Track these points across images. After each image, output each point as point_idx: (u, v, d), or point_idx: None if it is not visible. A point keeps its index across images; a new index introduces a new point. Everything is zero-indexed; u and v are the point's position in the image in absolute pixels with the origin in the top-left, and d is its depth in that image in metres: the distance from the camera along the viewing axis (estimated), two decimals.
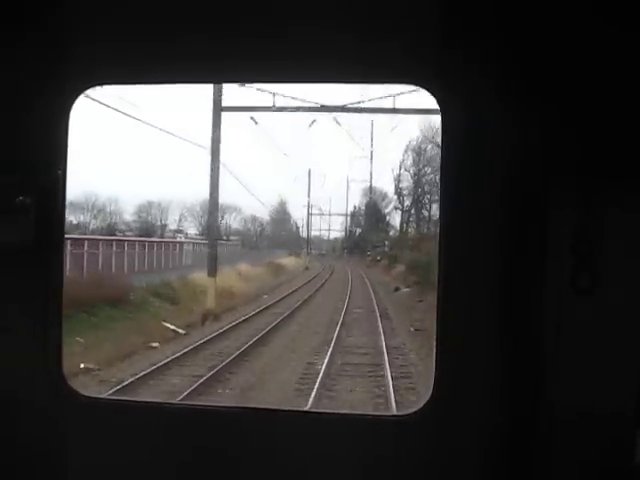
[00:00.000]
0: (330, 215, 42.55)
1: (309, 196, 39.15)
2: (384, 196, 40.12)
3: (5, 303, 2.71)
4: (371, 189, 38.99)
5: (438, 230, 2.76)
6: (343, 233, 45.14)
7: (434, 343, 2.79)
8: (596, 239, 2.54)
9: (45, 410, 2.72)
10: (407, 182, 36.69)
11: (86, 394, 2.82)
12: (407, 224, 38.63)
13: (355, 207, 43.30)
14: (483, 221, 2.61)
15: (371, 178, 38.06)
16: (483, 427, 2.61)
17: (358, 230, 44.63)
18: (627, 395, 2.54)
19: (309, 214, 41.25)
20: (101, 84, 2.72)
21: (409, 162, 34.95)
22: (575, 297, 2.55)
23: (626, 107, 2.53)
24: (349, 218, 43.85)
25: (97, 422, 2.73)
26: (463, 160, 2.62)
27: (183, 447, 2.69)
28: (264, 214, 42.12)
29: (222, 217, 41.13)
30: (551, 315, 2.58)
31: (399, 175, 36.59)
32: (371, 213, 40.98)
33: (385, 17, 2.56)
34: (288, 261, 39.41)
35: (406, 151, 34.45)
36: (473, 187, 2.62)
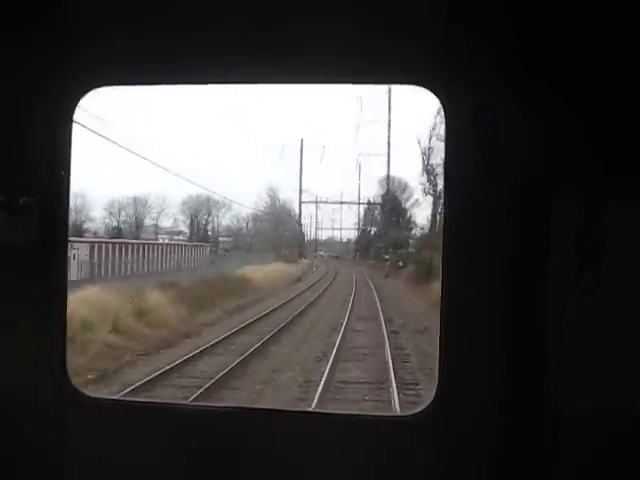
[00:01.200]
0: (342, 204, 39.95)
1: (301, 177, 36.87)
2: (404, 186, 38.27)
3: (9, 303, 3.25)
4: (389, 169, 36.34)
5: (442, 228, 3.25)
6: (356, 232, 43.92)
7: None
8: (600, 237, 3.03)
9: (49, 410, 3.28)
10: (441, 158, 31.85)
11: (90, 394, 3.36)
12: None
13: (369, 201, 41.87)
14: (487, 219, 3.13)
15: (389, 155, 35.00)
16: (487, 427, 3.12)
17: (373, 229, 42.94)
18: (631, 394, 3.04)
19: (300, 202, 39.05)
20: (104, 86, 3.27)
21: (443, 128, 30.80)
22: (579, 296, 3.05)
23: (631, 104, 3.03)
24: (362, 213, 42.40)
25: (101, 422, 3.28)
26: (467, 158, 3.14)
27: (187, 448, 3.23)
28: (260, 211, 41.20)
29: (209, 214, 40.77)
30: (555, 313, 3.08)
31: (429, 148, 31.35)
32: (389, 207, 39.01)
33: (386, 18, 3.09)
34: (268, 270, 34.47)
35: (439, 112, 30.18)
36: (477, 185, 3.14)
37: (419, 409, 3.24)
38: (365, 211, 42.37)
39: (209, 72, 3.31)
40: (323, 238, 45.86)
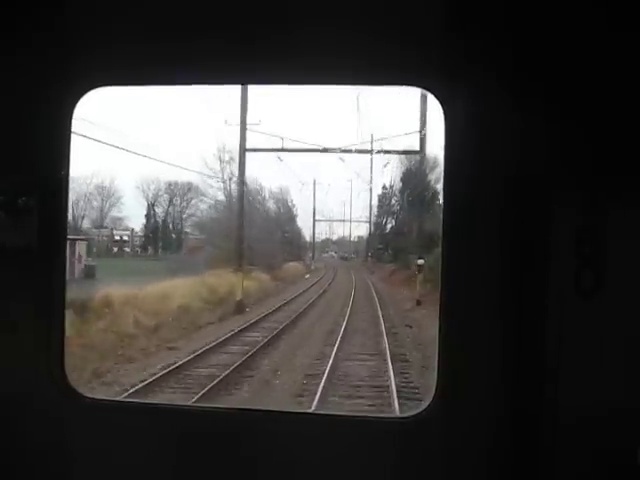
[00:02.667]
0: (327, 152, 32.04)
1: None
2: (434, 163, 35.49)
3: (8, 304, 4.05)
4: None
5: (441, 229, 3.96)
6: (368, 227, 41.78)
7: None
8: (600, 239, 3.85)
9: (47, 411, 4.17)
10: None
11: (89, 395, 4.14)
12: None
13: (385, 186, 40.17)
14: (487, 220, 3.97)
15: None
16: (486, 428, 3.97)
17: (391, 221, 41.29)
18: (631, 396, 3.85)
19: (243, 149, 27.92)
20: (103, 86, 4.06)
21: None
22: (578, 298, 3.88)
23: (630, 105, 3.85)
24: (375, 198, 40.27)
25: (99, 423, 4.14)
26: (466, 160, 3.99)
27: (186, 449, 4.06)
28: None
29: (171, 202, 37.80)
30: (555, 315, 3.93)
31: None
32: (416, 182, 35.51)
33: (385, 20, 3.88)
34: (170, 289, 24.17)
35: None
36: (477, 187, 3.97)
37: (419, 410, 3.98)
38: (380, 198, 40.90)
39: (208, 73, 4.12)
40: (334, 237, 45.94)
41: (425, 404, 4.05)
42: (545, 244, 3.86)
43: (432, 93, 3.97)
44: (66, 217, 4.21)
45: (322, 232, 46.28)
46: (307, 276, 40.87)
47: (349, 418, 4.47)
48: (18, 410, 4.14)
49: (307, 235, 44.04)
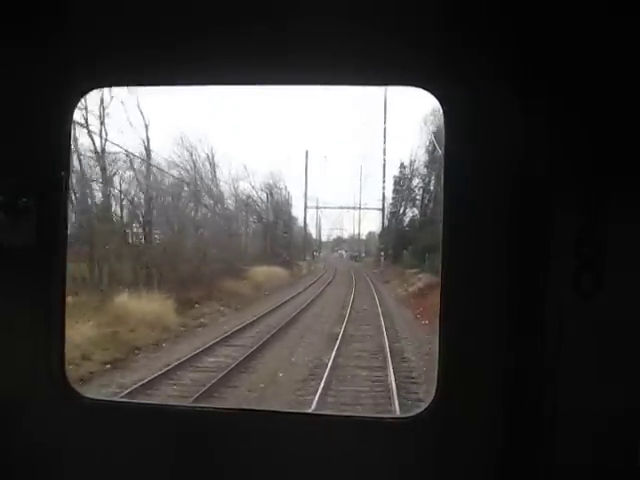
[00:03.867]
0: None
1: None
2: None
3: (7, 304, 4.42)
4: None
5: (441, 229, 4.30)
6: (381, 219, 37.53)
7: None
8: (600, 240, 4.28)
9: (47, 411, 4.63)
10: None
11: (89, 396, 4.51)
12: None
13: (402, 164, 36.75)
14: (486, 220, 4.43)
15: None
16: (486, 429, 4.37)
17: (412, 209, 37.88)
18: (631, 396, 4.36)
19: None
20: (103, 86, 4.41)
21: None
22: (578, 298, 4.42)
23: (630, 105, 4.42)
24: (391, 178, 37.66)
25: (99, 424, 4.57)
26: (466, 160, 4.55)
27: (185, 449, 4.50)
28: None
29: (126, 196, 29.81)
30: (555, 316, 4.40)
31: None
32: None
33: (384, 20, 4.34)
34: None
35: None
36: (476, 187, 4.51)
37: (419, 410, 4.34)
38: (395, 181, 37.60)
39: (208, 73, 4.55)
40: (345, 235, 46.29)
41: (425, 404, 4.40)
42: (545, 244, 4.33)
43: (431, 93, 4.33)
44: (66, 217, 4.63)
45: (334, 229, 46.47)
46: (304, 278, 37.07)
47: (349, 418, 4.90)
48: (18, 410, 4.56)
49: (314, 232, 43.96)
